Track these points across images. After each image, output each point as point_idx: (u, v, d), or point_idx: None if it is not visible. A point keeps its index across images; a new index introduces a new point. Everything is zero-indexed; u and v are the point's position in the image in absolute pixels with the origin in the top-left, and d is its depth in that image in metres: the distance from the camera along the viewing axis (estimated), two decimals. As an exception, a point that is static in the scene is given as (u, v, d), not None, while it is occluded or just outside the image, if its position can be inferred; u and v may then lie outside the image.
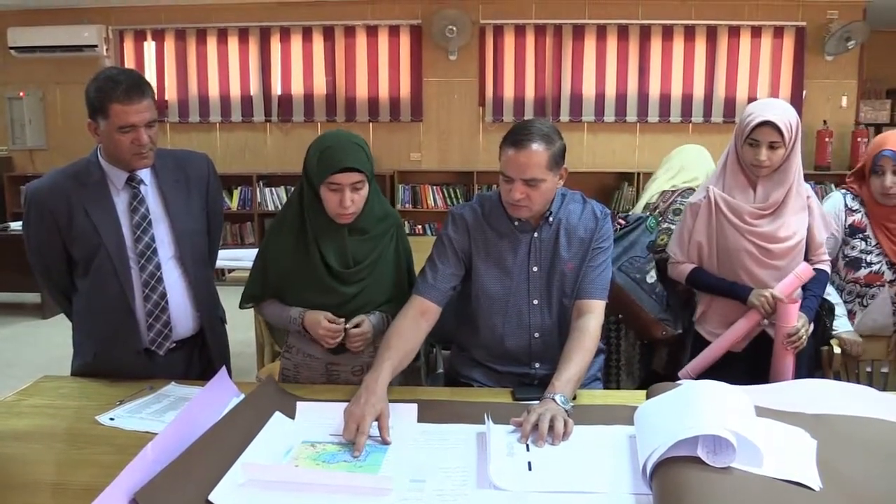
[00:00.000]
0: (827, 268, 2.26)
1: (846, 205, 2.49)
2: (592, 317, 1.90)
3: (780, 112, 2.10)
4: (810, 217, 2.20)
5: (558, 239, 1.95)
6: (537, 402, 1.79)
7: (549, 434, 1.55)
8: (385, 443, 1.56)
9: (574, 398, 1.78)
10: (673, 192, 2.84)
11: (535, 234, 1.95)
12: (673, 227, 2.65)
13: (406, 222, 7.21)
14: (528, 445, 1.54)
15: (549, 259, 1.95)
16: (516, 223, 1.95)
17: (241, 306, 2.11)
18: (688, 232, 2.27)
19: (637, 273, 2.51)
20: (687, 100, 7.02)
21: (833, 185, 6.38)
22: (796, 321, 2.08)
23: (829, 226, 2.31)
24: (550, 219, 1.94)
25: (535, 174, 1.80)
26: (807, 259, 2.23)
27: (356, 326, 1.93)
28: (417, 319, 1.89)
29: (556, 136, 1.85)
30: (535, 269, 1.96)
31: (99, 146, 1.98)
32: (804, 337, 2.09)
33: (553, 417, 1.57)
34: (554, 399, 1.66)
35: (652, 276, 2.51)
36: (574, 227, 1.96)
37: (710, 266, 2.24)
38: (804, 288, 2.22)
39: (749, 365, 2.16)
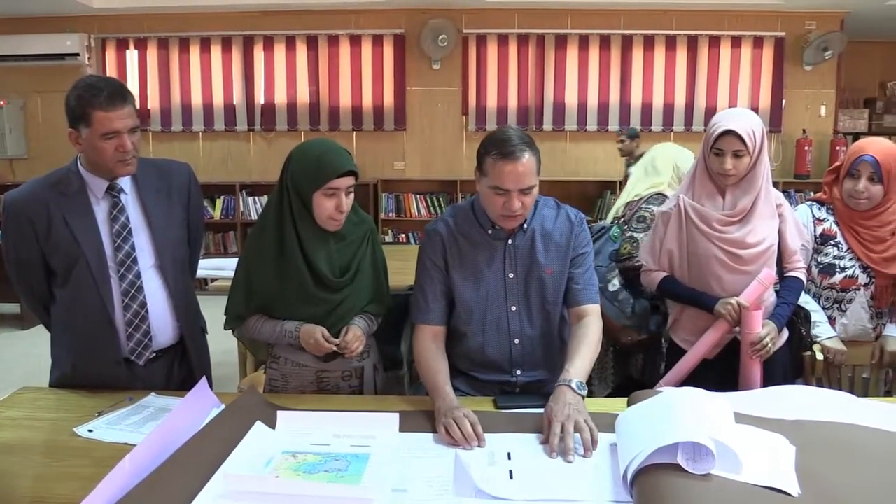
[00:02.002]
0: (801, 275, 2.27)
1: (813, 215, 2.52)
2: (592, 319, 1.94)
3: (743, 121, 2.12)
4: (782, 224, 2.22)
5: (534, 245, 1.96)
6: (521, 409, 1.80)
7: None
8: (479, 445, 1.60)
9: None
10: (637, 200, 2.86)
11: (510, 241, 1.96)
12: (637, 235, 2.68)
13: (389, 231, 7.22)
14: (508, 454, 1.55)
15: (526, 265, 1.96)
16: (490, 231, 1.96)
17: (227, 328, 2.08)
18: (659, 240, 2.29)
19: (600, 282, 2.56)
20: (668, 109, 7.09)
21: (813, 193, 6.47)
22: (760, 328, 2.10)
23: (802, 234, 2.33)
24: (525, 225, 1.95)
25: (530, 182, 1.82)
26: (780, 266, 2.25)
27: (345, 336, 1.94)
28: (433, 344, 1.95)
29: (533, 140, 1.88)
30: (511, 275, 1.96)
31: (79, 155, 1.96)
32: (769, 345, 2.10)
33: (577, 427, 1.58)
34: (570, 385, 1.69)
35: (615, 285, 2.55)
36: (549, 232, 1.97)
37: (681, 273, 2.26)
38: (778, 296, 2.24)
39: (722, 371, 2.18)
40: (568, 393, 1.68)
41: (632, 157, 6.14)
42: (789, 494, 1.26)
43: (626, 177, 6.11)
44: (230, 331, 2.10)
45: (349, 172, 1.88)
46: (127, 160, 1.90)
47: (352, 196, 1.93)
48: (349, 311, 1.99)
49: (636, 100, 7.08)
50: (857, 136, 6.99)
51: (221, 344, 3.17)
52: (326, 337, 1.91)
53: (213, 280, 4.21)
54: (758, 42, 7.02)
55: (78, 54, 6.93)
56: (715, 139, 2.14)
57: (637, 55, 7.04)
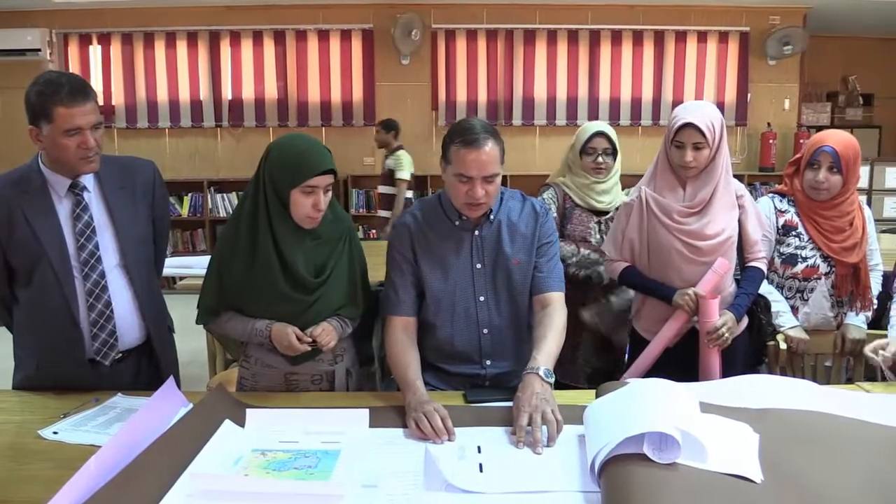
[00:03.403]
0: (762, 266, 2.32)
1: (775, 207, 2.57)
2: (556, 307, 1.96)
3: (702, 114, 2.16)
4: (743, 215, 2.27)
5: (501, 235, 1.98)
6: (491, 402, 1.81)
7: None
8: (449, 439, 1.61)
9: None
10: None
11: (477, 232, 1.98)
12: None
13: (360, 227, 7.19)
14: (478, 448, 1.56)
15: (493, 256, 1.99)
16: (457, 223, 1.98)
17: (200, 322, 2.05)
18: (621, 231, 2.33)
19: None
20: (636, 103, 7.16)
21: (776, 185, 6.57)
22: (717, 317, 2.13)
23: (763, 225, 2.37)
24: (491, 216, 1.98)
25: (494, 170, 1.85)
26: (742, 257, 2.29)
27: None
28: (404, 336, 1.95)
29: (496, 130, 1.90)
30: (478, 266, 1.99)
31: (40, 153, 1.93)
32: (726, 334, 2.14)
33: (544, 418, 1.60)
34: (538, 373, 1.71)
35: None
36: (515, 223, 2.00)
37: (641, 264, 2.30)
38: (738, 285, 2.28)
39: (682, 361, 2.20)
40: (536, 382, 1.69)
41: (388, 150, 6.07)
42: (752, 481, 1.29)
43: (384, 169, 6.03)
44: (203, 325, 2.07)
45: (329, 171, 1.86)
46: (90, 157, 1.87)
47: (330, 194, 1.91)
48: (322, 312, 1.97)
49: (604, 94, 7.14)
50: (820, 129, 7.08)
51: (191, 343, 3.15)
52: (299, 336, 1.89)
53: (181, 279, 4.17)
54: (723, 37, 7.11)
55: (39, 50, 6.80)
56: (675, 132, 2.17)
57: (605, 50, 7.09)
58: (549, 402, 1.65)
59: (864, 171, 6.84)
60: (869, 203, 6.85)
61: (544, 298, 1.98)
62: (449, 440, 1.60)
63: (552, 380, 1.73)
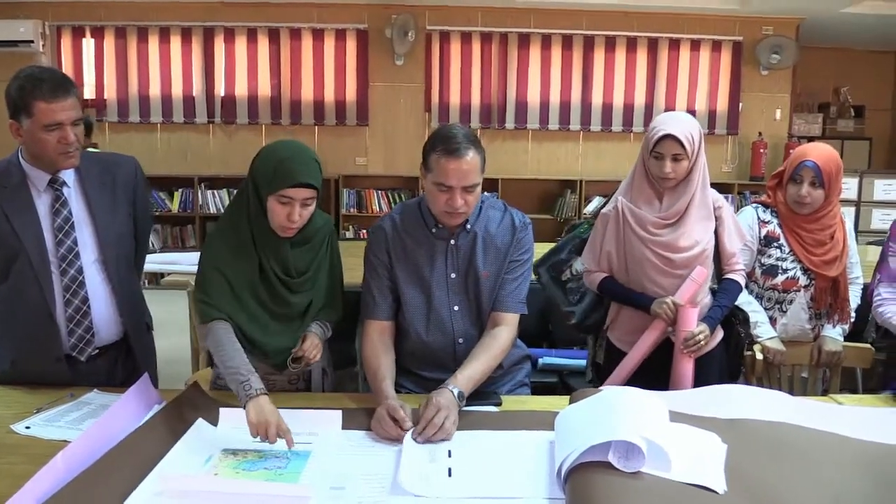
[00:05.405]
0: (738, 278, 2.30)
1: (758, 217, 2.57)
2: (505, 328, 1.94)
3: (682, 125, 2.14)
4: (720, 226, 2.24)
5: (475, 247, 1.96)
6: (464, 407, 1.81)
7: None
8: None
9: (500, 404, 1.86)
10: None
11: (452, 242, 1.97)
12: None
13: (350, 227, 7.20)
14: (449, 452, 1.56)
15: (466, 266, 1.97)
16: (433, 230, 1.96)
17: (207, 319, 1.87)
18: (599, 242, 2.31)
19: (554, 272, 2.64)
20: (629, 110, 7.18)
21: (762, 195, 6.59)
22: (695, 325, 2.12)
23: (743, 237, 2.36)
24: (468, 226, 1.96)
25: (474, 179, 1.84)
26: (719, 269, 2.28)
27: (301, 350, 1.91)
28: (379, 340, 1.96)
29: (478, 139, 1.89)
30: (452, 275, 1.97)
31: (20, 147, 1.92)
32: (702, 342, 2.12)
33: (446, 418, 1.64)
34: (451, 391, 1.72)
35: (566, 275, 2.62)
36: (492, 235, 1.98)
37: (619, 275, 2.28)
38: (713, 297, 2.28)
39: (656, 370, 2.20)
40: (447, 394, 1.72)
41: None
42: (715, 492, 1.29)
43: None
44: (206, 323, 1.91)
45: (307, 185, 1.80)
46: (70, 153, 1.87)
47: (310, 209, 1.85)
48: (310, 316, 1.97)
49: (597, 100, 7.15)
50: (811, 140, 7.15)
51: (175, 339, 3.14)
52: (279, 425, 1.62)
53: (167, 274, 4.16)
54: (716, 46, 7.14)
55: (32, 41, 6.74)
56: (654, 143, 2.15)
57: (598, 56, 7.11)
58: (451, 415, 1.67)
59: (853, 183, 6.88)
60: (857, 215, 6.89)
61: (496, 317, 1.97)
62: (403, 430, 1.63)
63: (462, 403, 1.74)
